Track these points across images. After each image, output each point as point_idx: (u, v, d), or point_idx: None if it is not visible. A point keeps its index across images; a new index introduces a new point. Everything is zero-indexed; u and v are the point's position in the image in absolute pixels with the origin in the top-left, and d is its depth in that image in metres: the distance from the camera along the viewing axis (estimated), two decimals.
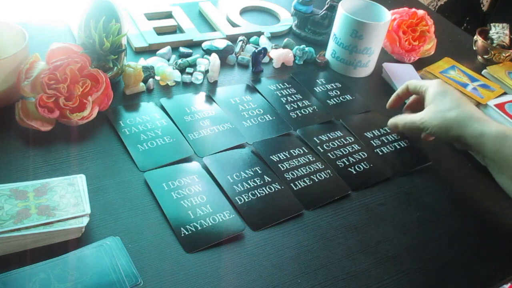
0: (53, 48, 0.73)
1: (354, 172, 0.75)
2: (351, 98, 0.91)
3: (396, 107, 0.84)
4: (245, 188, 0.68)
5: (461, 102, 0.72)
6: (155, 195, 0.64)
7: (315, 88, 0.91)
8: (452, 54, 1.08)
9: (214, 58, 0.86)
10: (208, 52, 0.91)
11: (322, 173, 0.73)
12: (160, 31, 0.95)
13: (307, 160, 0.75)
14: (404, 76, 0.97)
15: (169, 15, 1.01)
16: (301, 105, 0.86)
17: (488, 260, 0.66)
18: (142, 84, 0.81)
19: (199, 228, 0.61)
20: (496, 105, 0.93)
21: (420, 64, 1.03)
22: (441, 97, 0.72)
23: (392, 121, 0.80)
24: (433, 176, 0.78)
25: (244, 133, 0.77)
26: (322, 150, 0.77)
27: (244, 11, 1.10)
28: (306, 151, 0.76)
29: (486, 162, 0.70)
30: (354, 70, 0.96)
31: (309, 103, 0.87)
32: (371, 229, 0.67)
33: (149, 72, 0.83)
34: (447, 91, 0.73)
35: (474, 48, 1.11)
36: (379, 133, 0.83)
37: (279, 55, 0.93)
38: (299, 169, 0.73)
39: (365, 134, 0.82)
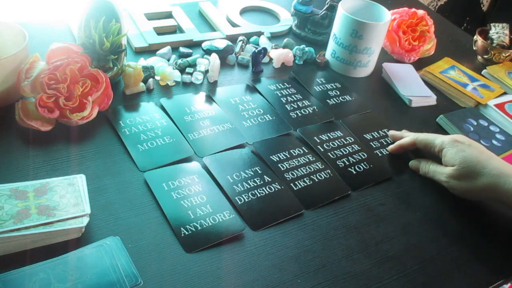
0: (53, 48, 0.73)
1: (354, 172, 0.75)
2: (351, 98, 0.91)
3: (397, 153, 0.80)
4: (245, 188, 0.68)
5: (483, 159, 0.68)
6: (155, 195, 0.64)
7: (315, 88, 0.91)
8: (452, 54, 1.08)
9: (214, 58, 0.86)
10: (208, 52, 0.91)
11: (322, 173, 0.73)
12: (160, 31, 0.95)
13: (307, 160, 0.75)
14: (404, 76, 0.97)
15: (169, 15, 1.01)
16: (301, 105, 0.86)
17: (488, 260, 0.66)
18: (142, 84, 0.81)
19: (199, 228, 0.61)
20: (496, 105, 0.93)
21: (420, 64, 1.03)
22: (462, 159, 0.69)
23: (415, 163, 0.77)
24: None
25: (244, 133, 0.77)
26: (322, 150, 0.77)
27: (244, 11, 1.10)
28: (306, 151, 0.76)
29: None
30: (354, 70, 0.96)
31: (309, 103, 0.87)
32: (371, 229, 0.67)
33: (149, 72, 0.83)
34: (465, 150, 0.69)
35: (474, 48, 1.11)
36: (378, 135, 0.83)
37: (279, 55, 0.93)
38: (299, 169, 0.73)
39: (364, 135, 0.82)
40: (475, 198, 0.72)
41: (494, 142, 0.86)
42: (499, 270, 0.65)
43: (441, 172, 0.72)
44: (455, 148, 0.70)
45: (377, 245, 0.65)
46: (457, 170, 0.69)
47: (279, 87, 0.88)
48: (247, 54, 0.94)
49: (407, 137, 0.78)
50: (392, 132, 0.82)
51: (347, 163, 0.76)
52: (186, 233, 0.60)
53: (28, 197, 0.57)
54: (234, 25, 1.02)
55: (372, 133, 0.83)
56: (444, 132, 0.87)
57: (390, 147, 0.80)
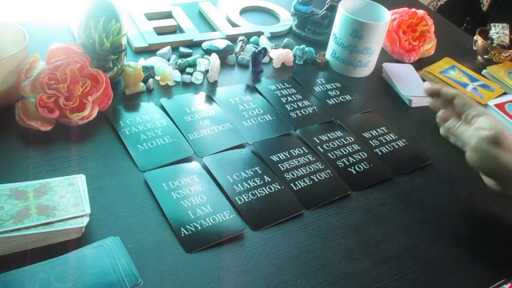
0: (53, 48, 0.73)
1: (354, 172, 0.75)
2: (351, 98, 0.91)
3: (430, 96, 0.76)
4: (245, 188, 0.68)
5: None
6: (155, 195, 0.64)
7: (315, 88, 0.91)
8: (452, 54, 1.08)
9: (214, 58, 0.86)
10: (208, 52, 0.91)
11: (322, 173, 0.73)
12: (160, 31, 0.95)
13: (307, 160, 0.75)
14: (404, 76, 0.97)
15: (169, 15, 1.01)
16: (301, 105, 0.86)
17: (487, 260, 0.66)
18: (142, 84, 0.81)
19: (199, 228, 0.61)
20: (496, 105, 0.93)
21: (420, 64, 1.03)
22: (499, 127, 0.66)
23: (444, 112, 0.74)
24: (433, 175, 0.78)
25: (244, 133, 0.77)
26: (322, 150, 0.77)
27: (244, 11, 1.10)
28: (306, 151, 0.76)
29: None
30: (354, 70, 0.96)
31: (309, 103, 0.87)
32: (371, 229, 0.67)
33: (149, 72, 0.83)
34: (503, 125, 0.68)
35: (474, 48, 1.11)
36: (377, 133, 0.83)
37: (279, 55, 0.93)
38: (299, 169, 0.73)
39: (363, 134, 0.82)
40: (489, 174, 0.68)
41: None
42: (499, 270, 0.65)
43: (472, 132, 0.68)
44: (491, 118, 0.68)
45: (377, 245, 0.65)
46: (493, 132, 0.65)
47: (279, 87, 0.88)
48: (247, 54, 0.94)
49: (451, 89, 0.74)
50: (427, 85, 0.76)
51: (347, 163, 0.76)
52: (186, 233, 0.60)
53: (28, 197, 0.57)
54: (234, 25, 1.02)
55: (371, 131, 0.83)
56: None
57: (428, 85, 0.75)
